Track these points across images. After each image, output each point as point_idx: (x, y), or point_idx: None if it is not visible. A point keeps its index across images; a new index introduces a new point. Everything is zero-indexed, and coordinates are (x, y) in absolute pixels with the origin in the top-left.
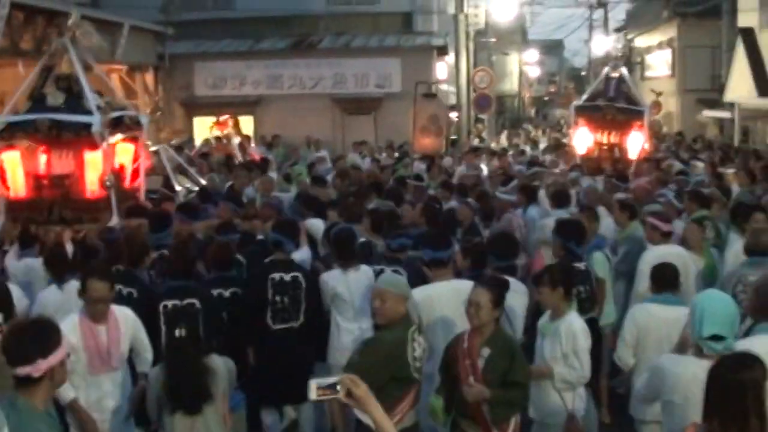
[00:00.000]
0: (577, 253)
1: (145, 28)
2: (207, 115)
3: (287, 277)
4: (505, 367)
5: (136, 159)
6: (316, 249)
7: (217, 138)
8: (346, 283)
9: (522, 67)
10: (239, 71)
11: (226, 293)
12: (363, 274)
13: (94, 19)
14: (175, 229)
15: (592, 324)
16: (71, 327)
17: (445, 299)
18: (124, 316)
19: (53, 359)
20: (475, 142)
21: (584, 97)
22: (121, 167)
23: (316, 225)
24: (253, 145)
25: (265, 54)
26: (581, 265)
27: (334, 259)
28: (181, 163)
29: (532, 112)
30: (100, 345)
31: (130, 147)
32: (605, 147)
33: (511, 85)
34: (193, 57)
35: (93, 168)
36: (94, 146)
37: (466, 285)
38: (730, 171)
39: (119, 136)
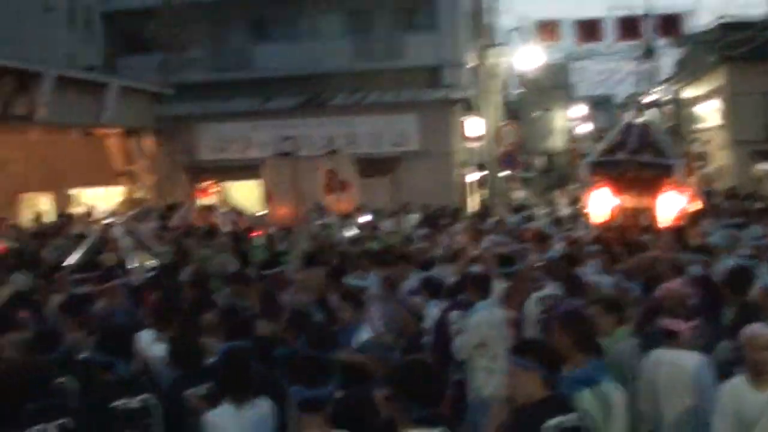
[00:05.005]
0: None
1: (142, 89)
2: (212, 180)
3: (134, 403)
4: None
5: None
6: None
7: (201, 207)
8: (240, 426)
9: (568, 123)
10: (245, 133)
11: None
12: (259, 410)
13: (73, 80)
14: None
15: None
16: None
17: None
18: None
19: None
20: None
21: (600, 149)
22: None
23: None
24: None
25: (273, 114)
26: (566, 420)
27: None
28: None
29: None
30: None
31: None
32: (630, 213)
33: (559, 142)
34: (196, 119)
35: None
36: None
37: None
38: None
39: None
